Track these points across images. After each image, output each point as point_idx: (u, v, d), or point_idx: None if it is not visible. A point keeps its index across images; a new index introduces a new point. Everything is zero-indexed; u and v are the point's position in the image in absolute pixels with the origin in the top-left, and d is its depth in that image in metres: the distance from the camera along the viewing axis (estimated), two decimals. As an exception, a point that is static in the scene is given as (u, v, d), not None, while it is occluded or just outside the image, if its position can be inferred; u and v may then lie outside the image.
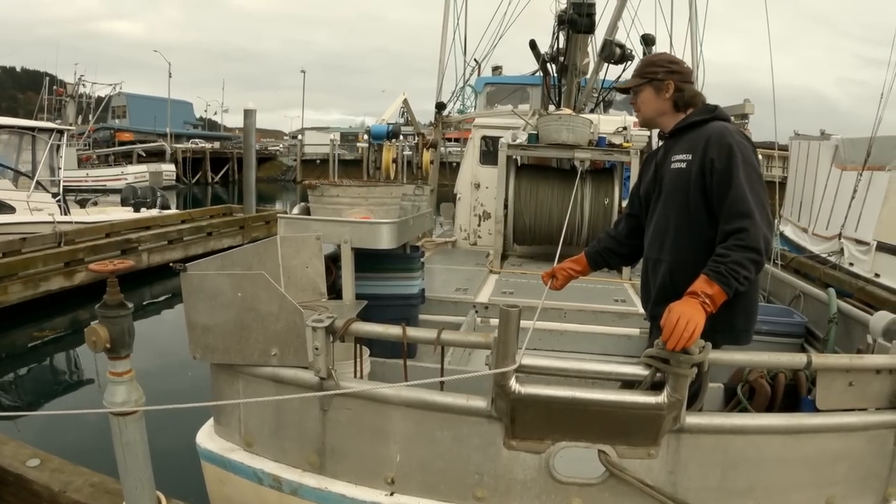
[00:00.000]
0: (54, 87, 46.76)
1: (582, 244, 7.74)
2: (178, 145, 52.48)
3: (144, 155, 44.01)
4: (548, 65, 10.24)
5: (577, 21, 8.75)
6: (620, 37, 9.59)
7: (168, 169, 42.58)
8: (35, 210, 14.51)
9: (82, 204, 18.06)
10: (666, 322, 2.50)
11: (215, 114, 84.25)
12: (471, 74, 13.05)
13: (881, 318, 4.13)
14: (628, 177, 8.08)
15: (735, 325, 3.14)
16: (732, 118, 3.50)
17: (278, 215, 5.10)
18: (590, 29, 9.08)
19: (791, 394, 3.50)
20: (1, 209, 13.94)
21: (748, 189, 2.90)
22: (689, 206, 3.09)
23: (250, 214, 18.74)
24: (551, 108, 9.77)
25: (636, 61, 9.57)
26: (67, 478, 4.14)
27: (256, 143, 26.21)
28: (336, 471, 2.91)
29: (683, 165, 3.13)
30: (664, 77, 3.22)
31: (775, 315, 5.38)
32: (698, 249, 2.97)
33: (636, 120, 8.80)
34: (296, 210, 5.30)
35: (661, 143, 3.57)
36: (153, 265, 14.03)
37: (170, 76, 59.31)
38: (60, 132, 16.33)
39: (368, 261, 4.96)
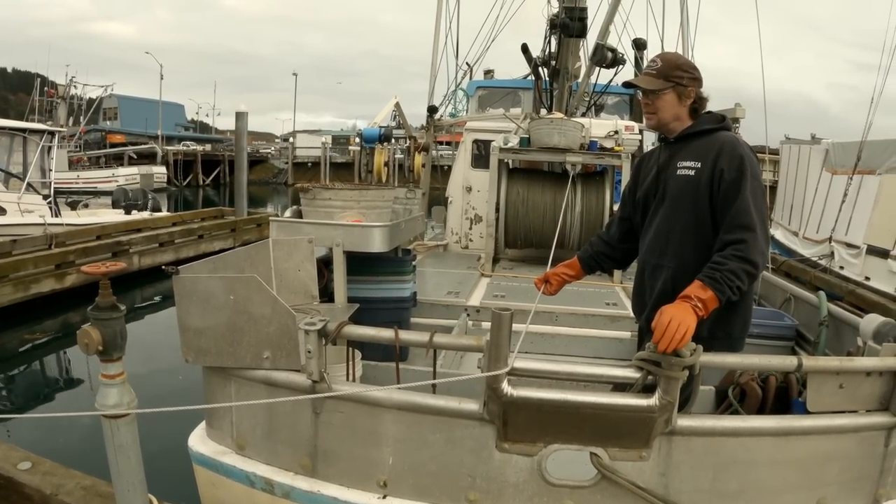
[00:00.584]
0: (45, 89, 46.64)
1: (573, 248, 7.75)
2: (170, 147, 52.39)
3: (135, 157, 43.91)
4: (539, 68, 10.27)
5: (568, 25, 8.78)
6: (612, 41, 9.64)
7: (159, 171, 42.49)
8: (26, 212, 14.47)
9: (73, 206, 18.00)
10: (657, 324, 2.51)
11: (207, 116, 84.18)
12: (462, 78, 13.08)
13: (871, 321, 4.14)
14: (619, 180, 8.10)
15: (732, 333, 3.17)
16: None
17: (270, 218, 5.10)
18: (582, 33, 9.11)
19: (782, 396, 3.51)
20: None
21: (752, 203, 2.93)
22: (695, 213, 3.10)
23: (242, 217, 18.71)
24: (543, 111, 9.79)
25: (627, 65, 9.64)
26: (59, 481, 4.13)
27: (248, 146, 26.18)
28: (328, 474, 2.91)
29: (692, 173, 3.13)
30: (688, 84, 3.20)
31: (766, 318, 5.39)
32: (702, 257, 2.98)
33: (628, 123, 8.87)
34: (288, 213, 5.30)
35: (656, 146, 3.56)
36: (144, 268, 14.01)
37: (161, 78, 59.23)
38: (51, 134, 16.29)
39: (360, 264, 4.95)
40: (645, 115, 3.37)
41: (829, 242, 13.52)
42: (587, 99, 10.74)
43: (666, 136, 3.37)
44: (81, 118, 45.12)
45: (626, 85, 3.54)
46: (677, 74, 3.18)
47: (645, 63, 6.40)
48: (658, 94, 3.21)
